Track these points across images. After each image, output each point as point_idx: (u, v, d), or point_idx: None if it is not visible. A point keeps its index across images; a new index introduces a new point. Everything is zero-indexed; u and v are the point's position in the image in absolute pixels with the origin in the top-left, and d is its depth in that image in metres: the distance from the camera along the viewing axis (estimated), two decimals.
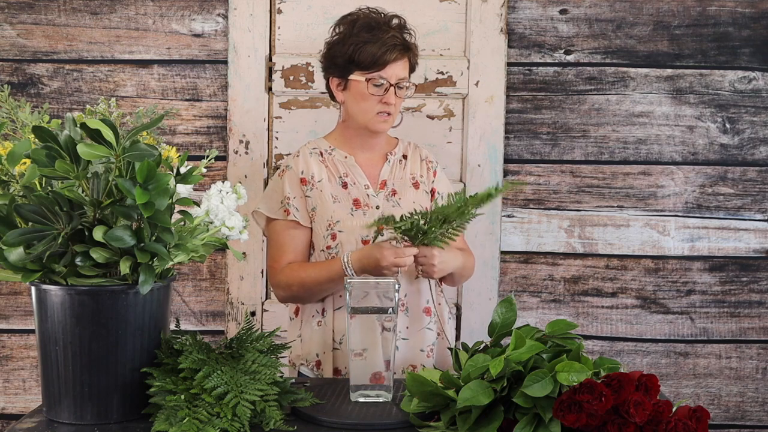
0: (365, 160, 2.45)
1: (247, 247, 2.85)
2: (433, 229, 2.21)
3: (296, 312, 2.47)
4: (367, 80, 2.34)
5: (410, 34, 2.42)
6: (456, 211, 2.17)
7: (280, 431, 1.78)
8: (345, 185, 2.41)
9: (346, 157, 2.44)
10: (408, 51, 2.38)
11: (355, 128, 2.42)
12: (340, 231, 2.37)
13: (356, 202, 2.40)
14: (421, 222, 2.20)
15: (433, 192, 2.48)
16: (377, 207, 2.40)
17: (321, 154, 2.45)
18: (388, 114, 2.37)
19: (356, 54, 2.34)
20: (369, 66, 2.33)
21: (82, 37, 2.86)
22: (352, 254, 2.29)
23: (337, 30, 2.40)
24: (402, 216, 2.21)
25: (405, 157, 2.50)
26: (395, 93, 2.35)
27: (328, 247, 2.38)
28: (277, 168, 2.73)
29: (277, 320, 2.86)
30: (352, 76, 2.35)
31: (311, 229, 2.42)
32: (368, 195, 2.41)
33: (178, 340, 1.86)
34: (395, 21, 2.40)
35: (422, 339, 2.37)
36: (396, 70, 2.35)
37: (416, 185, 2.45)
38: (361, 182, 2.42)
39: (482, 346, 1.97)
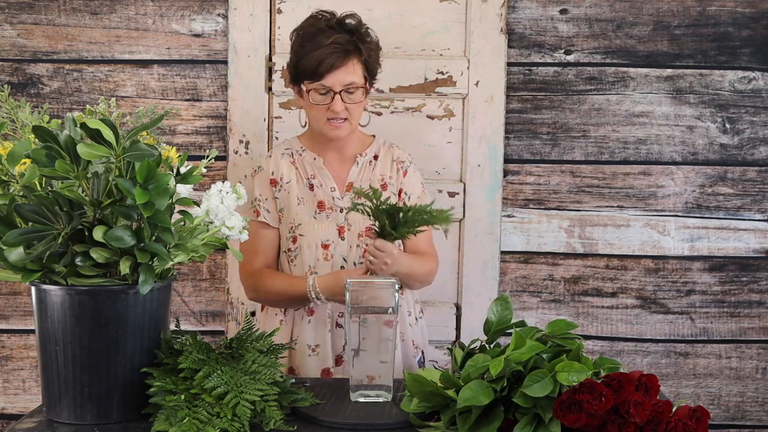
0: (334, 161, 2.45)
1: None
2: (403, 226, 2.20)
3: (262, 308, 2.51)
4: (308, 90, 2.33)
5: (366, 33, 2.36)
6: (407, 220, 2.19)
7: (280, 431, 1.78)
8: (312, 187, 2.41)
9: (315, 159, 2.44)
10: (354, 53, 2.32)
11: (316, 133, 2.42)
12: (300, 235, 2.38)
13: (321, 205, 2.40)
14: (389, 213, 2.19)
15: (400, 192, 2.45)
16: (341, 210, 2.39)
17: (292, 155, 2.46)
18: (344, 119, 2.33)
19: (300, 64, 2.33)
20: (310, 75, 2.31)
21: (82, 37, 2.86)
22: (318, 279, 2.29)
23: (291, 40, 2.40)
24: (374, 192, 2.19)
25: (376, 157, 2.47)
26: (342, 99, 2.30)
27: (289, 250, 2.41)
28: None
29: (277, 320, 2.86)
30: (302, 85, 2.35)
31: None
32: (333, 198, 2.41)
33: (178, 340, 1.86)
34: (348, 21, 2.35)
35: None
36: (340, 76, 2.30)
37: (384, 187, 2.42)
38: (327, 184, 2.42)
39: (478, 344, 1.97)
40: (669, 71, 2.89)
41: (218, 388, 1.75)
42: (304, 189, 2.41)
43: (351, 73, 2.31)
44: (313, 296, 2.30)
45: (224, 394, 1.75)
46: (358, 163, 2.45)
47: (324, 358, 2.37)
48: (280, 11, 2.86)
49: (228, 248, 1.90)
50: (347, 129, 2.36)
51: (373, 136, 2.52)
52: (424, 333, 2.54)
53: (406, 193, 2.45)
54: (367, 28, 2.39)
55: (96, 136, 1.67)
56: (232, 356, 1.88)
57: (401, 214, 2.19)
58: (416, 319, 2.50)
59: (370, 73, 2.38)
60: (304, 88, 2.35)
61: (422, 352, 2.50)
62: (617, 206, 2.92)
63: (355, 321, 1.94)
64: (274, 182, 2.43)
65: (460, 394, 1.72)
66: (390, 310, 1.94)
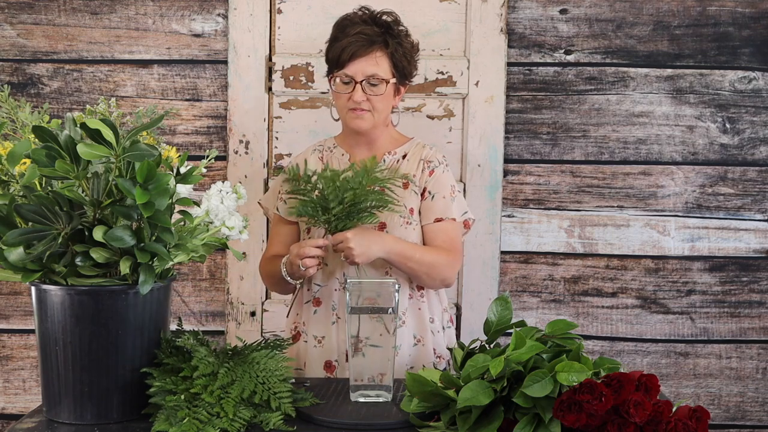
0: (363, 158, 2.43)
1: (247, 247, 2.85)
2: (336, 209, 2.21)
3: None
4: (331, 79, 2.37)
5: (399, 32, 2.37)
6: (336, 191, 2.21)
7: (280, 431, 1.78)
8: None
9: (343, 155, 2.45)
10: (378, 45, 2.33)
11: (343, 125, 2.44)
12: (314, 225, 2.38)
13: None
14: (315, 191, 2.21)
15: (423, 191, 2.41)
16: None
17: (323, 151, 2.48)
18: (363, 110, 2.34)
19: (328, 53, 2.38)
20: (335, 64, 2.35)
21: (82, 37, 2.86)
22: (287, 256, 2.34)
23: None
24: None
25: (405, 156, 2.45)
26: (363, 90, 2.32)
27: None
28: (279, 168, 2.84)
29: (277, 320, 2.86)
30: (330, 76, 2.39)
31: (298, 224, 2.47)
32: None
33: (188, 341, 1.85)
34: (384, 18, 2.38)
35: None
36: (362, 66, 2.32)
37: (405, 185, 2.39)
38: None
39: (478, 344, 1.97)
40: (669, 71, 2.89)
41: (234, 384, 1.76)
42: None
43: (373, 64, 2.32)
44: (284, 272, 2.35)
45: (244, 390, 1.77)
46: (385, 161, 2.43)
47: (328, 350, 2.36)
48: (280, 11, 2.86)
49: (228, 248, 1.90)
50: (369, 121, 2.36)
51: (411, 138, 2.50)
52: (452, 343, 2.47)
53: (429, 192, 2.40)
54: (404, 28, 2.40)
55: (96, 136, 1.67)
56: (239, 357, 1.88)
57: (343, 202, 2.21)
58: (443, 327, 2.45)
59: (399, 70, 2.37)
60: (331, 77, 2.38)
61: (447, 362, 2.44)
62: (617, 206, 2.92)
63: (375, 318, 1.93)
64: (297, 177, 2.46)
65: (460, 394, 1.72)
66: (390, 310, 1.94)
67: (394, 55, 2.35)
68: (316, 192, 2.26)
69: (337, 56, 2.33)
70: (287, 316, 2.46)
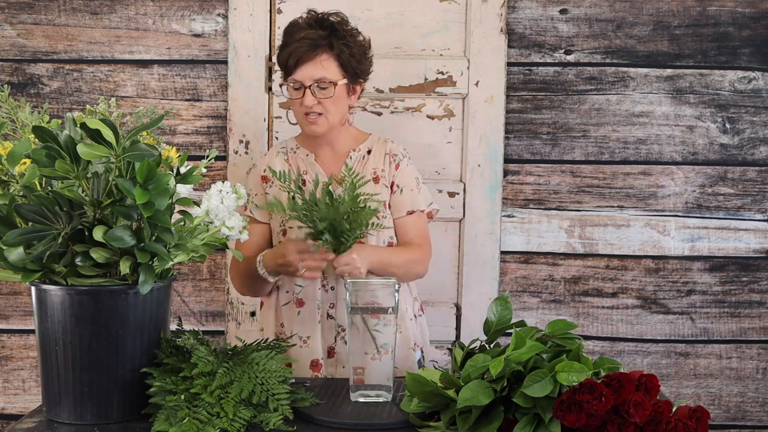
0: (327, 157, 2.47)
1: None
2: (347, 235, 2.19)
3: (261, 304, 2.54)
4: (281, 85, 2.40)
5: (346, 32, 2.37)
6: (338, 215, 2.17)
7: (280, 431, 1.78)
8: (303, 182, 2.42)
9: (307, 155, 2.47)
10: (323, 48, 2.33)
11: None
12: (290, 227, 2.39)
13: None
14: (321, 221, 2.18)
15: (392, 185, 2.45)
16: None
17: (287, 152, 2.50)
18: (319, 114, 2.35)
19: (278, 60, 2.39)
20: (284, 71, 2.37)
21: (82, 37, 2.86)
22: (266, 252, 2.34)
23: None
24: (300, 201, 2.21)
25: (370, 152, 2.48)
26: (313, 94, 2.33)
27: (279, 242, 2.41)
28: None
29: (270, 315, 2.86)
30: (283, 82, 2.41)
31: (270, 225, 2.48)
32: None
33: (188, 341, 1.85)
34: (330, 19, 2.37)
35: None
36: (308, 70, 2.33)
37: (376, 179, 2.44)
38: (320, 179, 2.42)
39: (478, 344, 1.97)
40: (669, 71, 2.89)
41: (234, 384, 1.76)
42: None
43: (320, 68, 2.33)
44: (261, 271, 2.34)
45: (242, 390, 1.76)
46: (351, 158, 2.46)
47: (314, 349, 2.38)
48: (280, 11, 2.86)
49: (228, 248, 1.90)
50: (323, 125, 2.38)
51: (370, 134, 2.53)
52: (424, 332, 2.53)
53: (398, 186, 2.45)
54: (352, 27, 2.40)
55: (96, 136, 1.67)
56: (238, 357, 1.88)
57: (343, 223, 2.19)
58: (415, 316, 2.50)
59: (348, 70, 2.37)
60: (284, 85, 2.40)
61: (421, 351, 2.49)
62: (617, 206, 2.92)
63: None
64: (265, 179, 2.47)
65: (460, 394, 1.72)
66: (390, 310, 1.94)
67: (341, 56, 2.35)
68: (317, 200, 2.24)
69: (285, 62, 2.35)
70: (258, 319, 2.46)
